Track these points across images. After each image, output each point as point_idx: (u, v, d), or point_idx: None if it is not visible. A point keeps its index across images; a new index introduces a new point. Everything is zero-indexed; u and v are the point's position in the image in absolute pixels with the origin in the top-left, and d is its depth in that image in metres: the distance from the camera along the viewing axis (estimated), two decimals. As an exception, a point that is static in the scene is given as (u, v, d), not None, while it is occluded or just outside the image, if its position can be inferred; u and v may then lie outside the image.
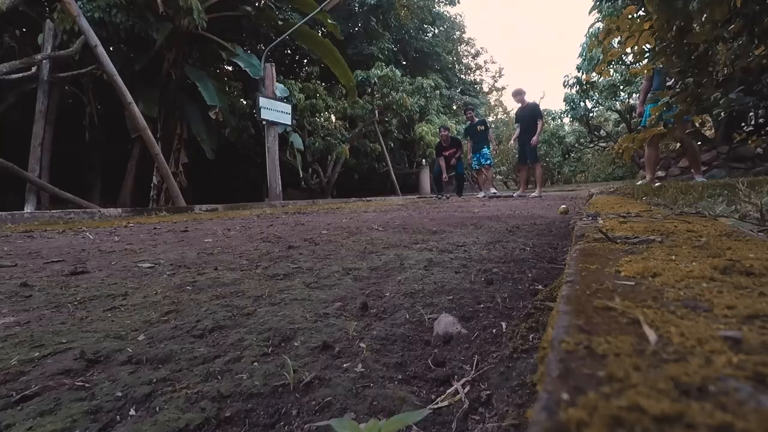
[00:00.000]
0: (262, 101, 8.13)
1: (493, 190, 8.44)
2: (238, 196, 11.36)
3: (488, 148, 8.44)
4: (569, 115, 17.46)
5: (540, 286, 0.92)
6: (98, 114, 8.93)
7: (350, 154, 12.92)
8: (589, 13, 10.33)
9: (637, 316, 0.37)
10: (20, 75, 6.82)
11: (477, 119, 8.81)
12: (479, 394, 0.48)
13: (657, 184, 4.26)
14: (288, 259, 1.41)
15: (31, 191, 6.85)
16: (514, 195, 7.75)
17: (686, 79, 2.19)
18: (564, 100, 16.83)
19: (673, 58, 2.19)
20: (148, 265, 1.39)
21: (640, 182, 6.04)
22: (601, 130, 19.61)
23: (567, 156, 20.89)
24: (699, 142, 8.54)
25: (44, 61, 7.03)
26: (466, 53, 24.24)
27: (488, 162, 8.52)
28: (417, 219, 2.99)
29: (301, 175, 11.91)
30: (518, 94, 7.38)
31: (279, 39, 9.36)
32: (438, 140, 9.30)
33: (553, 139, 20.00)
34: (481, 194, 8.58)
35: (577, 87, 15.28)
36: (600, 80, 14.73)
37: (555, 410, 0.23)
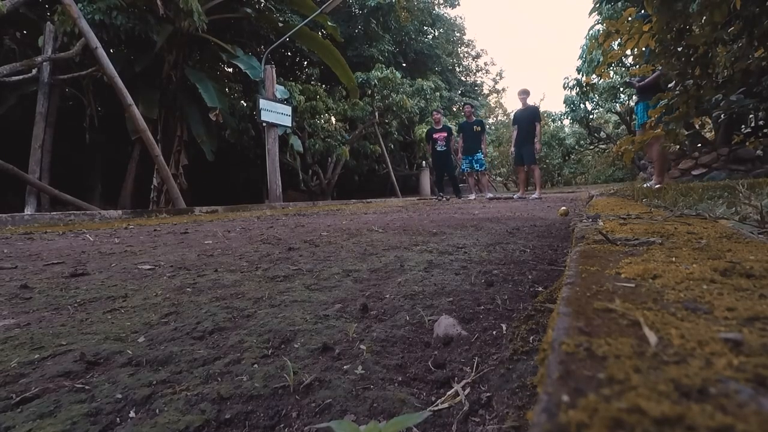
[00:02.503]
0: (263, 103, 8.14)
1: (489, 194, 8.47)
2: (238, 198, 11.36)
3: (481, 152, 8.42)
4: (569, 117, 17.49)
5: (540, 288, 0.92)
6: (98, 116, 8.94)
7: (350, 155, 12.93)
8: (589, 15, 10.36)
9: (638, 318, 0.37)
10: (21, 77, 6.84)
11: (474, 118, 8.76)
12: (479, 396, 0.48)
13: (657, 186, 4.26)
14: (288, 260, 1.41)
15: (32, 193, 6.85)
16: (515, 197, 7.78)
17: (686, 81, 2.19)
18: (564, 102, 16.86)
19: (673, 60, 2.19)
20: (148, 266, 1.39)
21: (646, 185, 5.97)
22: (601, 132, 19.63)
23: (567, 158, 20.92)
24: (699, 144, 8.55)
25: (45, 63, 7.04)
26: (466, 55, 24.29)
27: (483, 167, 8.53)
28: (417, 221, 2.99)
29: (301, 177, 11.92)
30: (524, 94, 7.44)
31: (279, 41, 9.39)
32: (430, 125, 9.37)
33: (553, 141, 20.03)
34: (472, 196, 8.58)
35: (577, 89, 15.32)
36: (600, 82, 14.77)
37: (555, 412, 0.23)
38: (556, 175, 22.15)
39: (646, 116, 5.74)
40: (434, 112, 9.27)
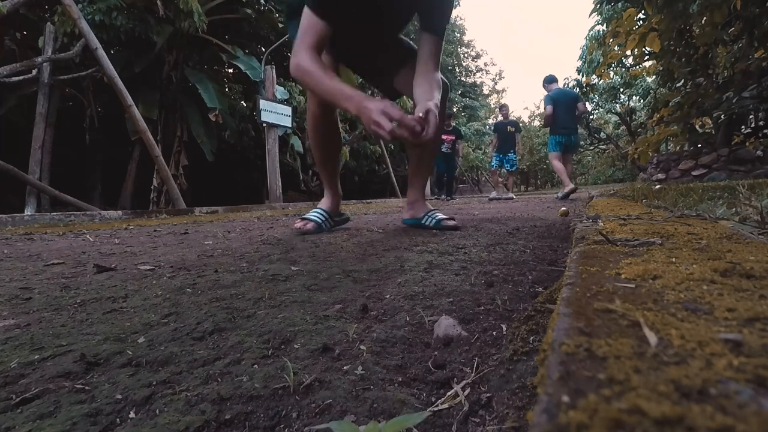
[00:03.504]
0: (263, 104, 8.14)
1: (511, 195, 8.48)
2: (239, 199, 11.37)
3: (514, 152, 8.56)
4: (569, 118, 17.48)
5: (540, 289, 0.92)
6: (98, 116, 8.95)
7: (350, 156, 12.92)
8: (589, 15, 10.37)
9: (638, 319, 0.37)
10: (21, 78, 6.84)
11: (510, 119, 8.93)
12: (479, 397, 0.48)
13: (657, 187, 4.28)
14: (288, 261, 1.41)
15: (32, 194, 6.85)
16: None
17: (697, 79, 2.20)
18: (564, 103, 16.87)
19: (674, 61, 2.20)
20: (149, 267, 1.39)
21: (558, 194, 6.50)
22: (601, 133, 19.66)
23: (567, 158, 20.92)
24: (699, 144, 8.57)
25: (45, 63, 7.04)
26: (466, 55, 24.28)
27: (514, 168, 8.69)
28: (417, 221, 2.99)
29: (302, 178, 11.92)
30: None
31: (279, 41, 9.39)
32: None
33: (553, 142, 20.02)
34: (493, 194, 8.68)
35: (578, 89, 15.35)
36: (600, 83, 14.80)
37: (555, 413, 0.23)
38: (556, 175, 22.18)
39: (551, 147, 6.66)
40: (447, 116, 9.50)
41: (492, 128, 9.39)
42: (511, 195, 8.41)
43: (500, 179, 8.77)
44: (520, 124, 9.82)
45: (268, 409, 0.48)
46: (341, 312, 0.82)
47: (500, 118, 9.14)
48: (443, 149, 8.93)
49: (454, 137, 9.01)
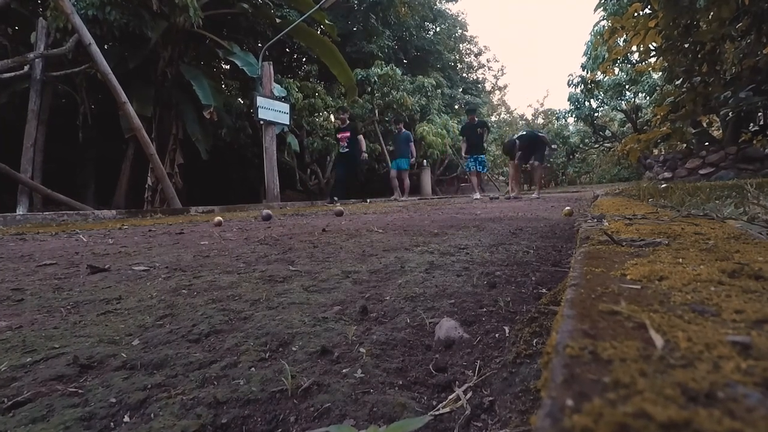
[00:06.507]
0: (260, 101, 8.07)
1: (476, 195, 8.60)
2: (236, 198, 11.33)
3: (484, 154, 8.70)
4: (574, 115, 17.47)
5: (544, 290, 0.92)
6: (92, 113, 8.84)
7: (349, 154, 12.88)
8: (594, 11, 10.35)
9: (644, 321, 0.36)
10: (12, 74, 6.75)
11: (477, 120, 8.99)
12: (482, 400, 0.48)
13: (663, 186, 4.27)
14: (286, 261, 1.40)
15: (24, 193, 6.78)
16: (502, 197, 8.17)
17: (693, 78, 2.19)
18: (568, 100, 16.84)
19: (680, 57, 2.18)
20: (143, 268, 1.38)
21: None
22: (606, 130, 19.61)
23: (571, 157, 20.81)
24: (706, 143, 8.56)
25: (37, 59, 6.95)
26: (467, 51, 24.09)
27: (484, 169, 8.83)
28: (418, 221, 2.99)
29: (299, 176, 11.89)
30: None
31: (277, 37, 9.32)
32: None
33: (558, 140, 19.92)
34: (475, 195, 8.80)
35: (582, 86, 15.26)
36: (605, 79, 14.70)
37: (559, 417, 0.22)
38: (560, 174, 22.05)
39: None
40: (340, 111, 8.73)
41: (460, 130, 9.38)
42: (477, 195, 8.59)
43: (477, 180, 8.96)
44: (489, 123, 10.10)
45: (266, 413, 0.47)
46: (340, 314, 0.81)
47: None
48: (341, 150, 8.08)
49: (348, 132, 8.16)
